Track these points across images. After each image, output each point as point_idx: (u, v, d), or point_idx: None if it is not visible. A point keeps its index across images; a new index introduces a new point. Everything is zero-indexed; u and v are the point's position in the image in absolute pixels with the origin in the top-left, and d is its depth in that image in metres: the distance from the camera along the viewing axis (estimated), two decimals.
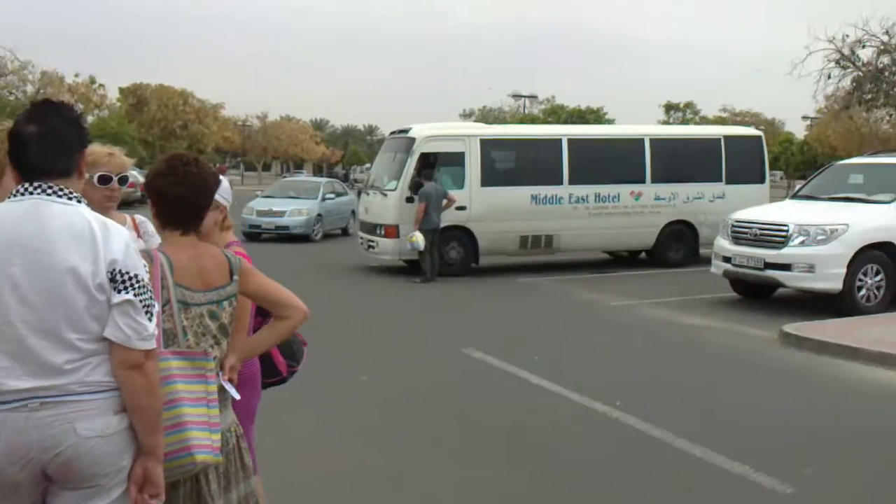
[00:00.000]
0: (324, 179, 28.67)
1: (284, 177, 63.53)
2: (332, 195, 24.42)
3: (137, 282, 2.47)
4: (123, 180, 3.54)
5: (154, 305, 2.53)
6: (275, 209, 22.40)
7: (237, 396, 3.00)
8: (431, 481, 5.33)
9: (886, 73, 40.23)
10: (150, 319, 2.48)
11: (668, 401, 7.26)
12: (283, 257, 17.83)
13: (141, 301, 2.46)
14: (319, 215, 22.79)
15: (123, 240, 2.50)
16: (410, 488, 5.23)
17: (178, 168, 2.91)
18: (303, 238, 22.05)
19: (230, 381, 2.96)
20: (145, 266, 2.57)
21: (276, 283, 3.09)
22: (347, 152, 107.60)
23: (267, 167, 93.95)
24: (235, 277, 2.95)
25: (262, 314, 3.35)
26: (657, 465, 5.67)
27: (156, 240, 3.33)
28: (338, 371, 8.16)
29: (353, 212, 23.51)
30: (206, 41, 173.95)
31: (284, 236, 21.96)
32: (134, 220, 3.77)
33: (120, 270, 2.44)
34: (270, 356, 3.53)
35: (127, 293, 2.44)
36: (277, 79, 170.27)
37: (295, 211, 22.32)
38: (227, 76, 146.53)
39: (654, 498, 5.11)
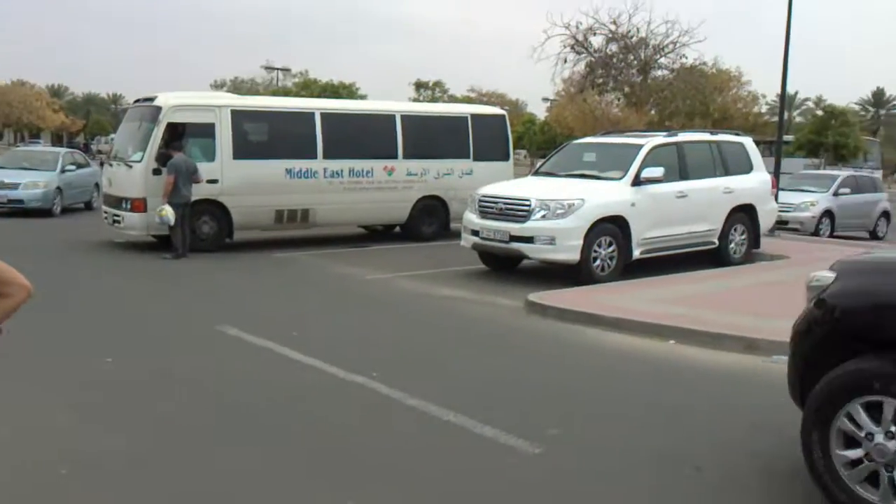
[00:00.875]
0: (63, 150, 26.82)
1: (18, 146, 58.66)
2: (73, 167, 22.97)
3: None
4: None
5: None
6: (7, 181, 20.65)
7: None
8: (183, 463, 5.17)
9: (615, 60, 43.62)
10: None
11: (423, 370, 7.51)
12: (16, 233, 16.59)
13: None
14: (59, 188, 21.35)
15: None
16: (159, 471, 5.05)
17: None
18: (40, 212, 20.56)
19: None
20: None
21: None
22: (90, 122, 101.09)
23: None
24: None
25: None
26: (413, 432, 5.84)
27: None
28: (81, 354, 7.74)
29: (97, 184, 22.17)
30: None
31: (18, 211, 20.37)
32: None
33: None
34: None
35: None
36: (6, 39, 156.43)
37: (30, 183, 20.73)
38: None
39: (409, 464, 5.26)
